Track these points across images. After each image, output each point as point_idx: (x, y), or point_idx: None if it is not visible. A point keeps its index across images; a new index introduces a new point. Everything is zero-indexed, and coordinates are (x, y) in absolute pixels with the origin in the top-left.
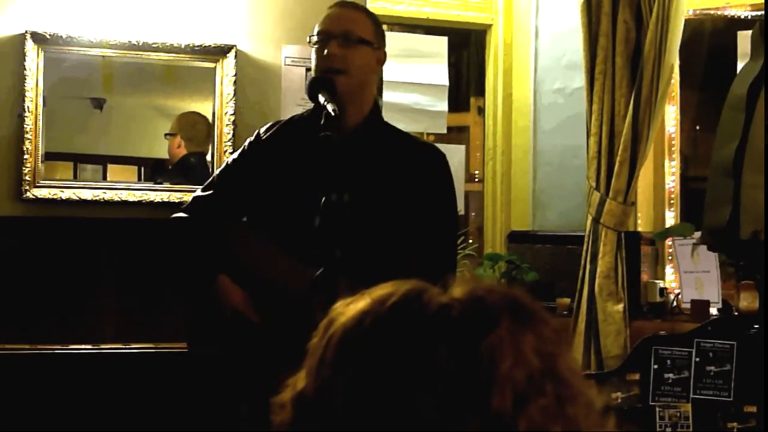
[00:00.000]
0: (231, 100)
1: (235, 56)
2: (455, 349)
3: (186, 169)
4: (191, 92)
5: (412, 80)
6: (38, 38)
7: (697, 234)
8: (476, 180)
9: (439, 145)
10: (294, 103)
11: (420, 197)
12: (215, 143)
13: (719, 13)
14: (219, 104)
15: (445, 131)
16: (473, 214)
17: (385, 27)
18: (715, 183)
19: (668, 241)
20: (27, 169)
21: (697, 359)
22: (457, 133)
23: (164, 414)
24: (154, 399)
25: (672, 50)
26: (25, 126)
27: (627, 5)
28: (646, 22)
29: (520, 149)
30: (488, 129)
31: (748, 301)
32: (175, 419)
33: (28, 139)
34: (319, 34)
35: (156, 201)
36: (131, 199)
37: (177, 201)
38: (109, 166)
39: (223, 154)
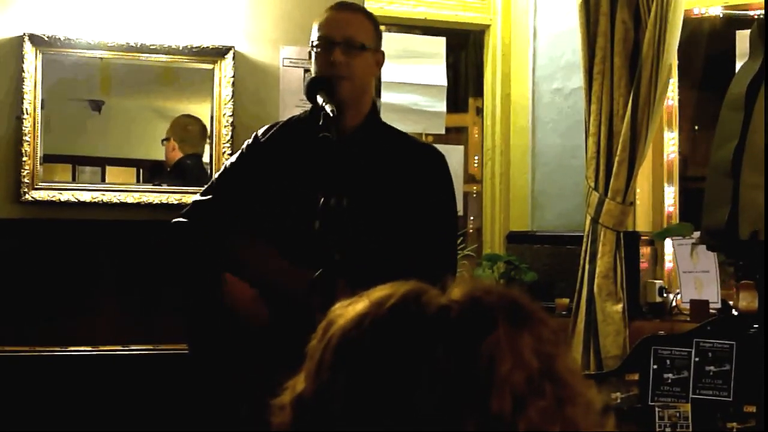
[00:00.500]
0: (229, 101)
1: (234, 57)
2: (454, 350)
3: (182, 171)
4: (189, 94)
5: (410, 81)
6: (36, 40)
7: (696, 234)
8: (475, 181)
9: (438, 146)
10: (292, 104)
11: (419, 198)
12: (213, 145)
13: (718, 12)
14: (217, 105)
15: (443, 132)
16: (472, 216)
17: (383, 27)
18: (714, 183)
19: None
20: (26, 172)
21: (697, 359)
22: (455, 134)
23: (164, 415)
24: (154, 400)
25: (670, 50)
26: (23, 128)
27: (625, 5)
28: (644, 22)
29: (519, 149)
30: (487, 129)
31: (747, 300)
32: (174, 420)
33: (27, 141)
34: (320, 39)
35: (155, 203)
36: (130, 200)
37: (176, 203)
38: (108, 168)
39: (221, 155)
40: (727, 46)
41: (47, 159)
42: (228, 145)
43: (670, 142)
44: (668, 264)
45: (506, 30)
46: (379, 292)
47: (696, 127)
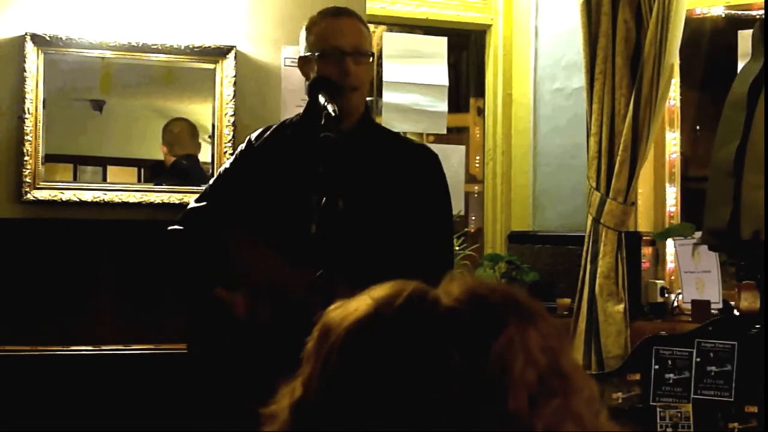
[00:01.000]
0: (231, 101)
1: (235, 57)
2: (468, 350)
3: (179, 172)
4: (191, 93)
5: (411, 81)
6: (38, 40)
7: (698, 234)
8: (476, 181)
9: (439, 146)
10: (294, 104)
11: (414, 197)
12: (215, 144)
13: (719, 12)
14: (219, 105)
15: (444, 132)
16: (473, 215)
17: (384, 27)
18: (716, 183)
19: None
20: (27, 171)
21: (698, 359)
22: (456, 134)
23: (164, 415)
24: (155, 400)
25: (672, 50)
26: (25, 128)
27: (627, 5)
28: (646, 22)
29: (520, 150)
30: (488, 129)
31: (748, 301)
32: (175, 420)
33: (29, 140)
34: (329, 47)
35: (156, 202)
36: (131, 200)
37: (177, 202)
38: (109, 168)
39: (223, 155)
40: (729, 46)
41: (49, 159)
42: (230, 144)
43: (672, 142)
44: (670, 264)
45: (508, 30)
46: (380, 291)
47: (698, 127)
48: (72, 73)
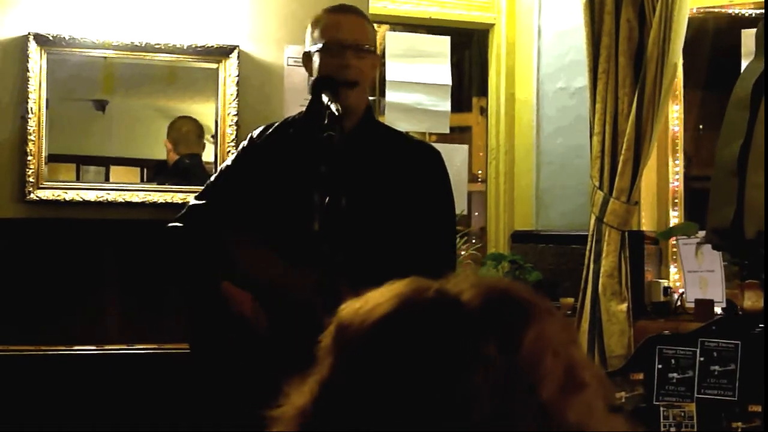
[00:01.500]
0: (234, 100)
1: (238, 57)
2: (502, 342)
3: (181, 171)
4: (194, 93)
5: (414, 80)
6: (41, 40)
7: (701, 233)
8: (479, 180)
9: (442, 145)
10: (297, 104)
11: (417, 196)
12: (218, 144)
13: (723, 11)
14: (222, 105)
15: (447, 131)
16: (476, 213)
17: (387, 27)
18: (719, 182)
19: (672, 241)
20: (30, 171)
21: (702, 359)
22: (459, 133)
23: (169, 415)
24: (158, 400)
25: (675, 49)
26: (28, 128)
27: (630, 4)
28: (649, 21)
29: (523, 149)
30: (491, 129)
31: (752, 300)
32: (178, 420)
33: (32, 140)
34: (329, 41)
35: (159, 202)
36: (134, 200)
37: (180, 202)
38: (112, 168)
39: (226, 154)
40: (732, 45)
41: (52, 158)
42: (233, 144)
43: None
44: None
45: (511, 29)
46: (400, 288)
47: (701, 127)
48: (75, 72)
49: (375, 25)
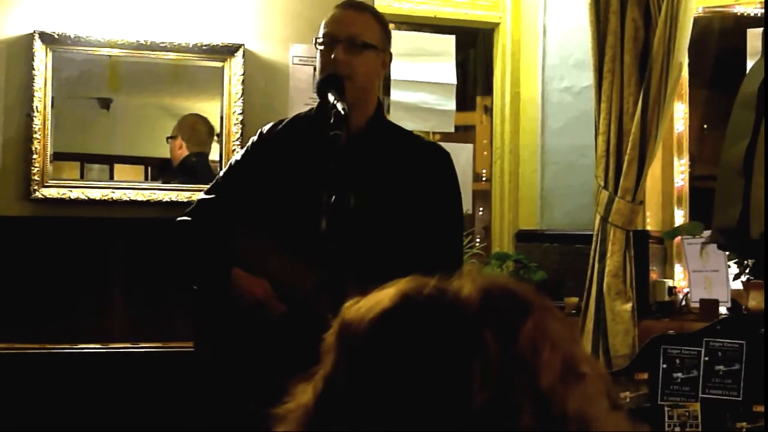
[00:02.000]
0: (239, 99)
1: (243, 55)
2: (499, 332)
3: (188, 169)
4: (199, 92)
5: (419, 79)
6: (47, 38)
7: (707, 233)
8: (483, 179)
9: (447, 144)
10: (302, 103)
11: (425, 196)
12: (223, 143)
13: (729, 10)
14: (227, 104)
15: (452, 130)
16: (481, 213)
17: (392, 26)
18: (725, 182)
19: (677, 240)
20: (36, 169)
21: (706, 358)
22: (463, 132)
23: (173, 413)
24: (163, 398)
25: (681, 48)
26: (33, 126)
27: (635, 3)
28: (654, 20)
29: (528, 148)
30: (496, 128)
31: (757, 300)
32: (183, 418)
33: (37, 139)
34: (324, 36)
35: (164, 200)
36: (139, 198)
37: (185, 200)
38: (116, 166)
39: (230, 153)
40: (738, 44)
41: (57, 157)
42: (237, 142)
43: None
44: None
45: (516, 28)
46: (402, 285)
47: (705, 126)
48: (80, 71)
49: None
